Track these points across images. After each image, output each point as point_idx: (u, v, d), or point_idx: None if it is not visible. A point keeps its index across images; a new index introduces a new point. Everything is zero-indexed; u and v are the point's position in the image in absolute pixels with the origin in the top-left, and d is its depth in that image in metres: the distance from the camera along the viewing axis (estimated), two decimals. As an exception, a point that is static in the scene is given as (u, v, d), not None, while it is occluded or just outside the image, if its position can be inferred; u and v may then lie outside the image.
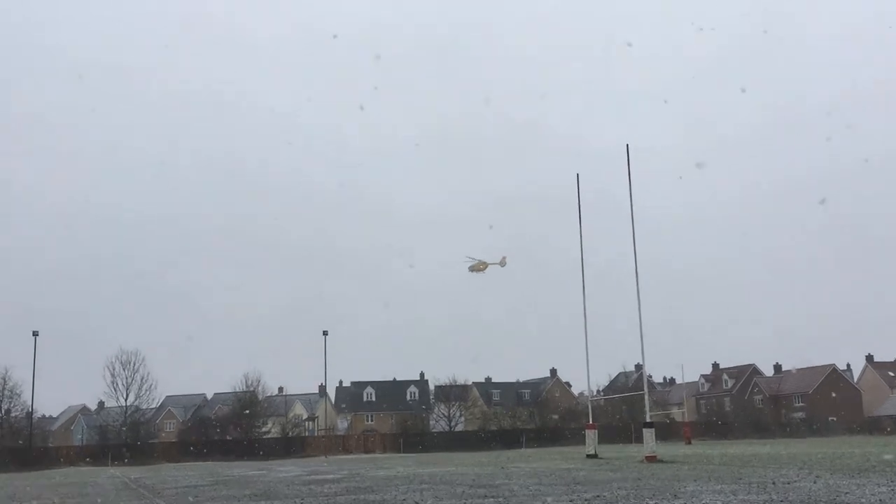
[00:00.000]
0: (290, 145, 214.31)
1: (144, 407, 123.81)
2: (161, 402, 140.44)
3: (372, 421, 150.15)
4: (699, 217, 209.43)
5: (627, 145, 45.84)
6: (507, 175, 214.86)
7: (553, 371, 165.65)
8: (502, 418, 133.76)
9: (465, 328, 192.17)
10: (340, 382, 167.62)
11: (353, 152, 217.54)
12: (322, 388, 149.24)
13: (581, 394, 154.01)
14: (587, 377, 49.67)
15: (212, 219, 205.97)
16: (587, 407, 64.80)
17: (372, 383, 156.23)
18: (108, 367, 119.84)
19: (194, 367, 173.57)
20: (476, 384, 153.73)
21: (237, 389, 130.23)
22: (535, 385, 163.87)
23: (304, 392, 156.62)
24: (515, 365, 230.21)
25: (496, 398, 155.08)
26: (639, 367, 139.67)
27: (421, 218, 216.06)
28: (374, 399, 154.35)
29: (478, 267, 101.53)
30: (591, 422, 52.82)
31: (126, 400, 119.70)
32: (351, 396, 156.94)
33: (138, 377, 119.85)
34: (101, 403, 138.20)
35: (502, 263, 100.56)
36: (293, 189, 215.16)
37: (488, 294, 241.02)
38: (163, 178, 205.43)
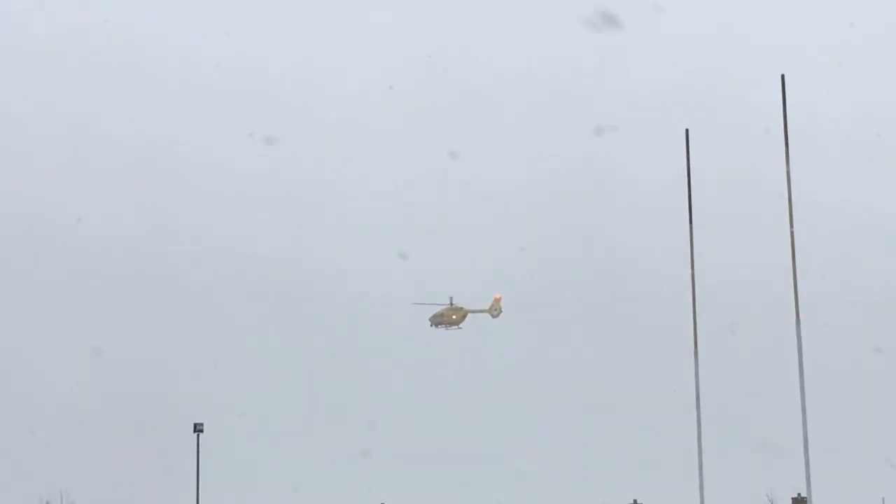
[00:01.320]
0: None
1: None
2: None
3: None
4: None
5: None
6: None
7: None
8: None
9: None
10: None
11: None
12: None
13: None
14: None
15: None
16: None
17: None
18: None
19: None
20: None
21: None
22: None
23: None
24: (559, 494, 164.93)
25: None
26: (799, 501, 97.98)
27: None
28: None
29: (447, 317, 77.74)
30: None
31: None
32: None
33: None
34: None
35: (493, 311, 77.67)
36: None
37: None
38: None
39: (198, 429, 79.75)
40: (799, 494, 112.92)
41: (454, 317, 74.93)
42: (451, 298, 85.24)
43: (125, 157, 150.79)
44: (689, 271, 40.03)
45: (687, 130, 43.16)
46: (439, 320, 76.62)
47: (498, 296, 77.19)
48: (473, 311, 75.14)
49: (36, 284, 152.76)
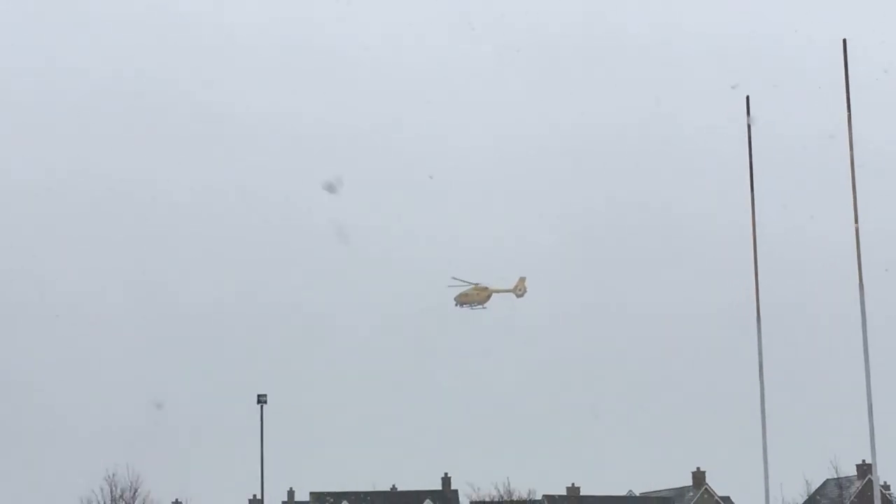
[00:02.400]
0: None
1: None
2: None
3: None
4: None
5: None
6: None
7: (698, 475, 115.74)
8: None
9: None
10: (291, 494, 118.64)
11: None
12: None
13: None
14: (765, 489, 36.97)
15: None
16: None
17: (352, 496, 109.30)
18: None
19: (9, 463, 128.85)
20: (550, 499, 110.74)
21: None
22: (662, 501, 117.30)
23: None
24: (625, 465, 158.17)
25: None
26: (864, 468, 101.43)
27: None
28: None
29: (472, 296, 75.86)
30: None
31: None
32: None
33: None
34: None
35: (518, 290, 76.24)
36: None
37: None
38: None
39: (261, 400, 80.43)
40: (864, 461, 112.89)
41: (478, 296, 74.58)
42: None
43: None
44: (752, 246, 39.71)
45: (748, 97, 42.81)
46: (464, 300, 76.69)
47: (523, 277, 77.02)
48: (498, 291, 74.67)
49: (99, 258, 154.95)
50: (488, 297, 77.02)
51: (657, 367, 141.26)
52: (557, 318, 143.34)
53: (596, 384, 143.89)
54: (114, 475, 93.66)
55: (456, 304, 77.83)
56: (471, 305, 78.75)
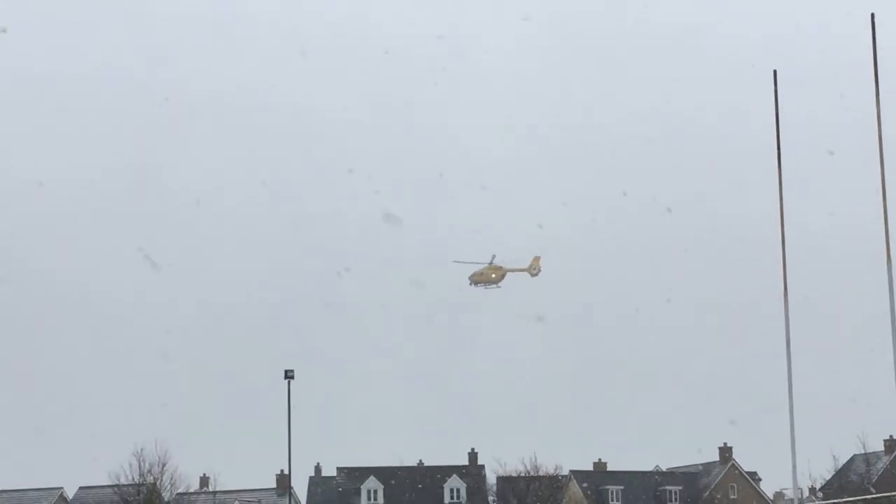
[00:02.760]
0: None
1: None
2: None
3: None
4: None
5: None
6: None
7: (725, 450, 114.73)
8: None
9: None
10: (318, 470, 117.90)
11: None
12: (284, 480, 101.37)
13: (781, 494, 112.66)
14: (792, 465, 36.44)
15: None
16: None
17: (378, 471, 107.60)
18: None
19: (42, 439, 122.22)
20: (577, 474, 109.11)
21: (122, 481, 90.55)
22: (689, 477, 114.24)
23: (249, 487, 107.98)
24: (650, 440, 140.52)
25: (615, 500, 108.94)
26: (891, 444, 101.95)
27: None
28: (380, 500, 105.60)
29: (486, 276, 77.56)
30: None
31: None
32: (339, 496, 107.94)
33: None
34: None
35: (533, 270, 77.38)
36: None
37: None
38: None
39: (288, 375, 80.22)
40: (891, 436, 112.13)
41: (493, 276, 74.63)
42: (493, 257, 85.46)
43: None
44: (780, 221, 39.22)
45: (775, 71, 42.37)
46: (479, 279, 76.78)
47: (538, 256, 77.09)
48: (513, 271, 74.62)
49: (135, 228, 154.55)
50: (503, 276, 77.13)
51: (684, 344, 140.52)
52: (585, 297, 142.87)
53: (623, 362, 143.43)
54: (142, 450, 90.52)
55: (470, 284, 78.00)
56: (485, 285, 78.80)
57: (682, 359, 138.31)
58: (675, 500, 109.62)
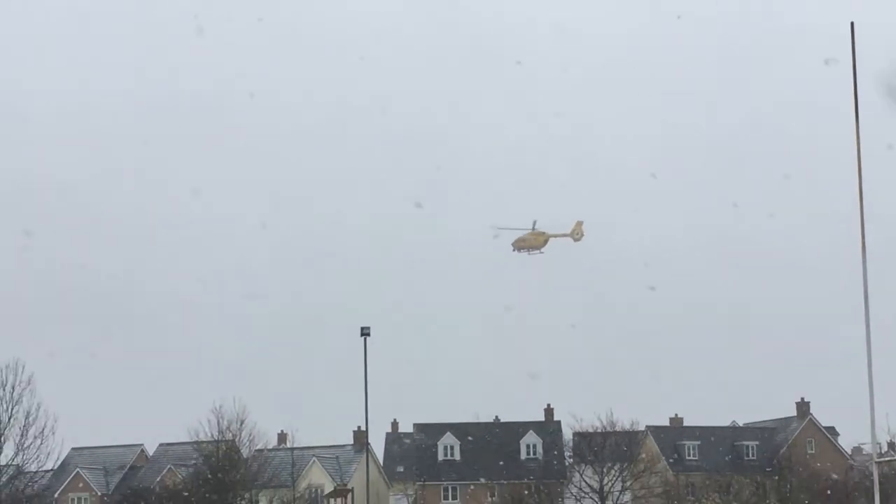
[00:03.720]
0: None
1: (31, 469, 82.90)
2: (62, 459, 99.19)
3: (455, 498, 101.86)
4: None
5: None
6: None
7: (802, 406, 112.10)
8: (704, 494, 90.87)
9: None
10: (395, 426, 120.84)
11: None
12: (361, 437, 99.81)
13: (859, 449, 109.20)
14: (871, 419, 33.90)
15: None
16: (869, 475, 51.28)
17: (455, 427, 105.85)
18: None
19: (123, 398, 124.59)
20: (653, 429, 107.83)
21: (201, 438, 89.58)
22: (766, 433, 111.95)
23: (327, 444, 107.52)
24: (728, 395, 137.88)
25: (691, 456, 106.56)
26: None
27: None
28: (457, 456, 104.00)
29: (530, 241, 77.37)
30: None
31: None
32: (416, 452, 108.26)
33: (18, 413, 79.86)
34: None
35: (576, 234, 77.49)
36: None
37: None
38: None
39: (364, 332, 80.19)
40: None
41: (536, 241, 74.13)
42: (534, 222, 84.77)
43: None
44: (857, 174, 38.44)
45: (852, 23, 41.05)
46: (521, 244, 76.33)
47: (580, 221, 76.38)
48: (555, 236, 74.02)
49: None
50: (545, 241, 76.68)
51: (761, 299, 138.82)
52: (661, 254, 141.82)
53: (699, 317, 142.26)
54: (221, 407, 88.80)
55: (514, 250, 77.59)
56: (528, 250, 78.37)
57: (759, 313, 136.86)
58: (752, 455, 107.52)
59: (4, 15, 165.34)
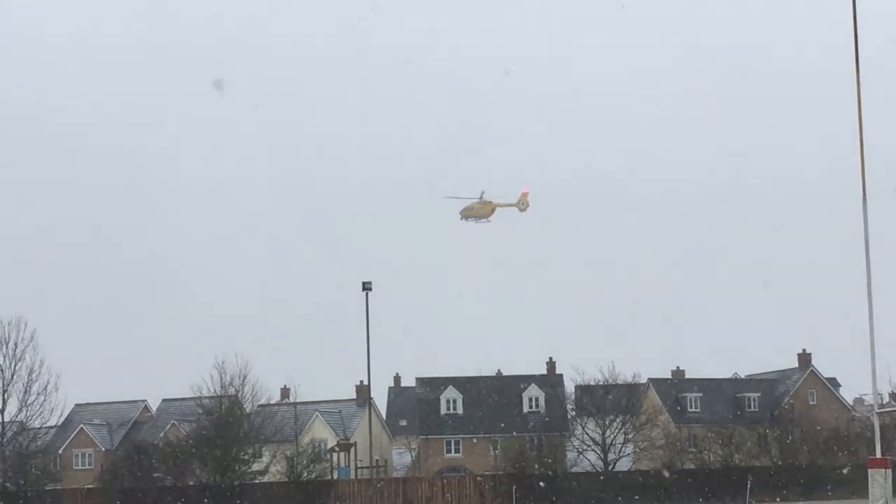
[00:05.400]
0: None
1: (35, 425, 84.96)
2: (66, 415, 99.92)
3: (458, 451, 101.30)
4: None
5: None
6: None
7: (804, 357, 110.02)
8: (706, 446, 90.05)
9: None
10: (397, 380, 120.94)
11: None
12: (363, 391, 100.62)
13: (860, 400, 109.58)
14: (871, 370, 36.03)
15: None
16: (870, 426, 51.18)
17: (457, 381, 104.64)
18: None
19: (126, 354, 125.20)
20: (655, 382, 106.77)
21: (203, 393, 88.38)
22: (768, 384, 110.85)
23: (329, 398, 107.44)
24: (729, 346, 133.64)
25: (693, 408, 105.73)
26: None
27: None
28: (459, 410, 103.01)
29: (477, 210, 78.51)
30: (879, 454, 38.01)
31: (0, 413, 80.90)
32: (418, 406, 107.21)
33: (21, 369, 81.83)
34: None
35: (521, 205, 78.48)
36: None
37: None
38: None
39: (366, 287, 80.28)
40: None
41: (483, 211, 74.58)
42: (482, 192, 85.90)
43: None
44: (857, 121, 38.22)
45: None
46: (469, 213, 76.73)
47: (526, 190, 77.11)
48: (502, 206, 74.39)
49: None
50: (492, 210, 77.01)
51: (762, 250, 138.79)
52: (663, 205, 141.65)
53: (700, 268, 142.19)
54: (223, 362, 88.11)
55: (461, 219, 77.98)
56: (475, 219, 78.65)
57: (759, 265, 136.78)
58: (754, 406, 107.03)
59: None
